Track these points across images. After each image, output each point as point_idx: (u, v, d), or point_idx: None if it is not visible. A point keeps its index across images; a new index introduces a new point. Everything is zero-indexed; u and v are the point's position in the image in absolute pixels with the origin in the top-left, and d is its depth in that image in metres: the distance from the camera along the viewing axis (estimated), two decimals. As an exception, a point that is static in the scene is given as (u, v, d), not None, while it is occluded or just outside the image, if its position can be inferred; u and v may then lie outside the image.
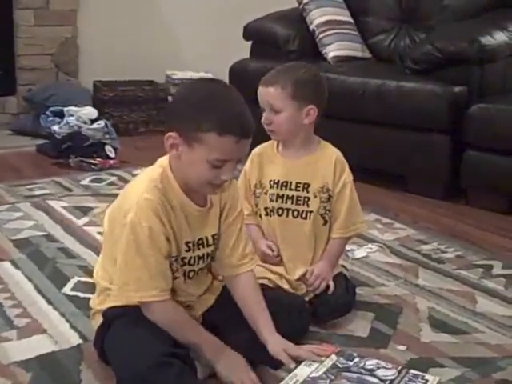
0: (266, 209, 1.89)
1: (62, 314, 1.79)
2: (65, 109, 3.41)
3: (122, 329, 1.47)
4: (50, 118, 3.47)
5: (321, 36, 3.52)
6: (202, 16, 4.62)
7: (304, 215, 1.86)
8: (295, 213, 1.86)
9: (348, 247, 2.16)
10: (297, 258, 1.87)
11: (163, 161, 1.53)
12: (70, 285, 1.97)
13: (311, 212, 1.85)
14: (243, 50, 3.72)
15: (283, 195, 1.86)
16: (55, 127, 3.36)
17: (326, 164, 1.86)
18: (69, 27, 4.21)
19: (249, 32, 3.70)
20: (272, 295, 1.66)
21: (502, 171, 2.80)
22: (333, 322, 1.79)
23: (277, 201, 1.87)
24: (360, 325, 1.81)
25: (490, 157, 2.82)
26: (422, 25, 3.48)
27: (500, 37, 2.94)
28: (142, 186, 1.48)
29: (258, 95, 1.86)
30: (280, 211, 1.87)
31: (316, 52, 3.52)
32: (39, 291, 1.92)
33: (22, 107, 4.04)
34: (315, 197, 1.85)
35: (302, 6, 3.63)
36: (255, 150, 1.92)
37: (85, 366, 1.55)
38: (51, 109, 3.52)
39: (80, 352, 1.61)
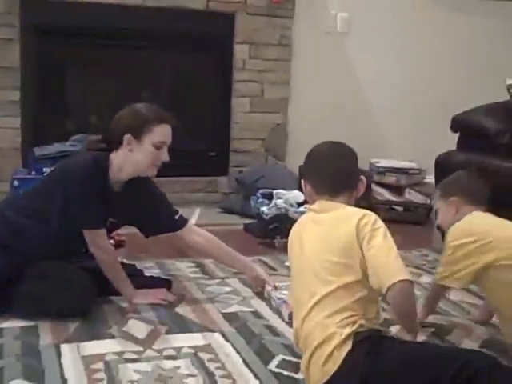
0: None
1: (268, 390, 1.85)
2: (274, 191, 3.58)
3: None
4: (260, 200, 3.67)
5: (533, 130, 3.44)
6: (409, 106, 4.71)
7: None
8: None
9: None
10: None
11: None
12: (275, 362, 2.03)
13: None
14: (449, 141, 3.72)
15: None
16: (264, 208, 3.53)
17: None
18: (280, 114, 4.48)
19: (457, 124, 3.70)
20: None
21: None
22: None
23: None
24: None
25: None
26: None
27: None
28: None
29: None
30: None
31: (528, 146, 3.45)
32: (247, 365, 2.01)
33: (233, 187, 4.32)
34: None
35: (513, 99, 3.59)
36: None
37: None
38: (261, 191, 3.72)
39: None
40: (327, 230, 1.88)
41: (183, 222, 2.63)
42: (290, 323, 2.23)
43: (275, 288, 2.58)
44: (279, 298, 2.48)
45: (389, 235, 1.84)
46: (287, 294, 2.43)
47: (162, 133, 2.39)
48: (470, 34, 4.83)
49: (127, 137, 2.36)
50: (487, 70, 4.75)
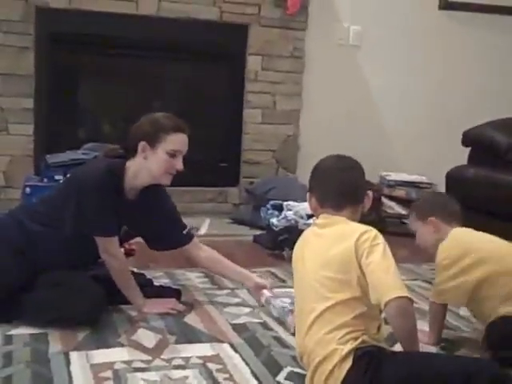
0: None
1: (276, 402, 1.86)
2: (284, 203, 3.59)
3: None
4: (270, 211, 3.67)
5: (545, 146, 3.44)
6: (420, 119, 4.71)
7: None
8: None
9: None
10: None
11: None
12: (283, 373, 2.03)
13: None
14: (460, 156, 3.72)
15: None
16: (274, 220, 3.54)
17: None
18: (291, 126, 4.49)
19: (468, 138, 3.70)
20: None
21: None
22: None
23: None
24: None
25: None
26: None
27: None
28: None
29: None
30: None
31: (538, 162, 3.44)
32: (255, 376, 2.00)
33: (243, 198, 4.32)
34: None
35: (525, 114, 3.59)
36: None
37: None
38: (271, 202, 3.73)
39: None
40: (327, 246, 1.88)
41: (190, 237, 2.66)
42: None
43: (273, 294, 2.58)
44: (283, 307, 2.48)
45: (388, 251, 1.82)
46: (290, 303, 2.43)
47: (177, 141, 2.41)
48: (481, 48, 4.83)
49: (142, 144, 2.38)
50: (498, 84, 4.74)
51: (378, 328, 1.84)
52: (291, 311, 2.37)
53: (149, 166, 2.41)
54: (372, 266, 1.78)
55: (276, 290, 2.66)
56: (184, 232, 2.64)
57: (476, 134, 3.68)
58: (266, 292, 2.60)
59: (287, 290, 2.60)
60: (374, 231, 1.85)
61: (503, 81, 4.77)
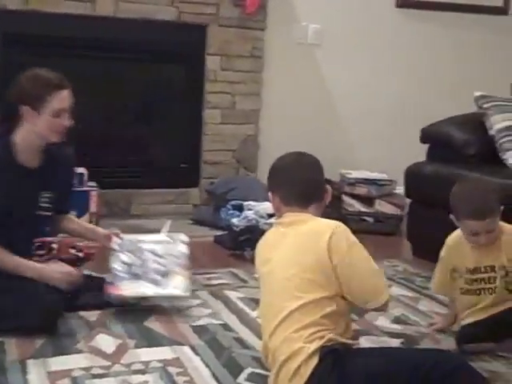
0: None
1: (238, 403, 1.85)
2: (244, 203, 3.59)
3: None
4: (230, 211, 3.67)
5: (501, 141, 3.48)
6: (379, 117, 4.74)
7: None
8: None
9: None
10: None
11: None
12: (244, 375, 2.03)
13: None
14: (419, 152, 3.75)
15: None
16: (234, 220, 3.54)
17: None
18: (251, 125, 4.48)
19: (426, 135, 3.73)
20: None
21: None
22: None
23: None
24: None
25: None
26: None
27: None
28: None
29: (470, 227, 2.24)
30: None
31: (495, 157, 3.47)
32: (216, 378, 2.00)
33: (204, 199, 4.31)
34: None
35: (481, 110, 3.63)
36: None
37: None
38: (232, 202, 3.73)
39: None
40: (296, 245, 1.88)
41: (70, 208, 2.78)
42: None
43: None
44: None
45: (363, 249, 1.87)
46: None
47: (61, 100, 2.38)
48: (439, 46, 4.88)
49: (25, 109, 2.35)
50: (457, 82, 4.79)
51: (346, 326, 1.85)
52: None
53: (36, 129, 2.37)
54: (353, 269, 1.82)
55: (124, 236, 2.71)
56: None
57: (433, 131, 3.71)
58: (115, 239, 2.66)
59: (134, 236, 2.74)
60: (341, 228, 1.87)
61: (460, 77, 4.82)
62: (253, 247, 3.31)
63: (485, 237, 2.24)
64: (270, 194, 2.03)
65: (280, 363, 1.76)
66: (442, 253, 2.41)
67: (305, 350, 1.72)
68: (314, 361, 1.70)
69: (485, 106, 3.61)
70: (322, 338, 1.73)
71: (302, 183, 1.98)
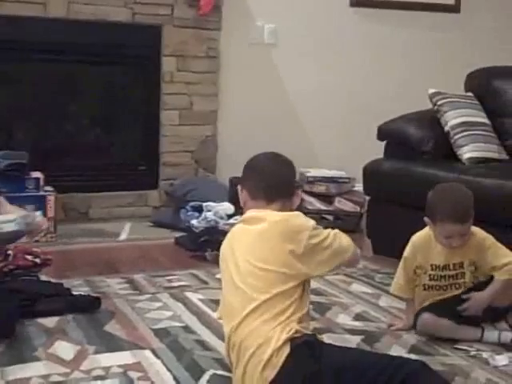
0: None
1: (200, 406, 1.84)
2: (203, 204, 3.57)
3: None
4: (190, 213, 3.65)
5: (456, 137, 3.52)
6: (337, 116, 4.78)
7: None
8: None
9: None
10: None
11: None
12: (206, 376, 2.01)
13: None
14: (377, 149, 3.78)
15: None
16: (194, 221, 3.52)
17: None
18: (209, 126, 4.47)
19: (383, 133, 3.75)
20: None
21: None
22: None
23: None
24: None
25: None
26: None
27: None
28: None
29: (447, 230, 2.29)
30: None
31: (450, 153, 3.52)
32: (177, 381, 1.97)
33: (163, 201, 4.28)
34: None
35: (436, 107, 3.67)
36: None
37: None
38: (191, 204, 3.71)
39: None
40: (258, 240, 1.88)
41: None
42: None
43: None
44: None
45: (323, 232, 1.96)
46: None
47: None
48: (393, 44, 4.93)
49: None
50: (411, 79, 4.85)
51: (308, 320, 1.88)
52: None
53: None
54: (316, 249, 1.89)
55: None
56: None
57: (390, 128, 3.73)
58: None
59: None
60: (312, 222, 1.93)
61: (415, 74, 4.88)
62: (213, 248, 3.34)
63: (460, 239, 2.30)
64: (239, 187, 2.05)
65: (248, 355, 1.75)
66: (406, 253, 2.43)
67: (274, 341, 1.72)
68: (286, 351, 1.71)
69: (439, 102, 3.65)
70: (290, 329, 1.74)
71: (273, 176, 2.00)
